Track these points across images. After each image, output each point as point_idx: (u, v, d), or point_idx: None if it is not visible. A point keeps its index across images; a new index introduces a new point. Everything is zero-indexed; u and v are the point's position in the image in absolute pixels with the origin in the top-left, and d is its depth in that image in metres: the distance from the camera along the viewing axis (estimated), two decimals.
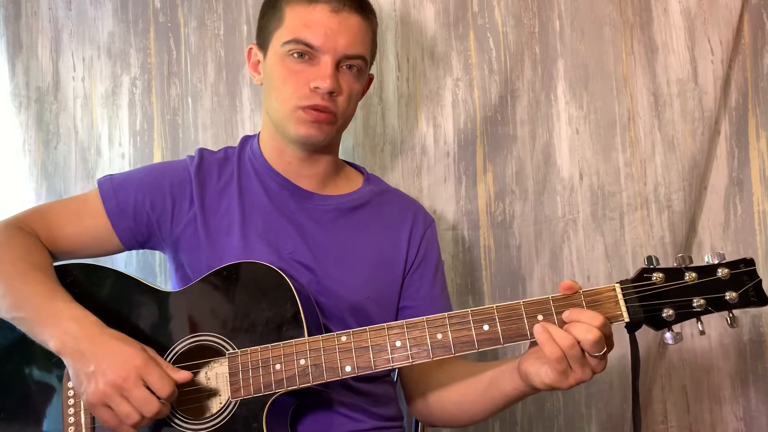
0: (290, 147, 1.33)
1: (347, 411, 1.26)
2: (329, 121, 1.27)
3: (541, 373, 1.05)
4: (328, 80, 1.23)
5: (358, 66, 1.28)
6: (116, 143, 1.76)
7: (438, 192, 1.71)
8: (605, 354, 1.03)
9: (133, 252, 1.68)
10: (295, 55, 1.25)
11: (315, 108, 1.25)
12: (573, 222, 1.69)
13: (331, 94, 1.24)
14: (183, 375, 1.11)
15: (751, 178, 1.68)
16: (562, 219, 1.70)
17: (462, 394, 1.23)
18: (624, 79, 1.69)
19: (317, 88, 1.23)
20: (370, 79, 1.41)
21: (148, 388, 1.07)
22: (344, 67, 1.27)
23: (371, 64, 1.36)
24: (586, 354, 1.02)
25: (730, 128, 1.69)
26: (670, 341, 1.04)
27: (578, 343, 1.00)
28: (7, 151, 1.78)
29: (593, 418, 1.69)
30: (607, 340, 1.02)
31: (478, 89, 1.71)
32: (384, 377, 1.35)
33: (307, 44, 1.24)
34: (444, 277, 1.42)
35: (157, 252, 1.42)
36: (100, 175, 1.74)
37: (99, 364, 1.06)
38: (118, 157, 1.76)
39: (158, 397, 1.07)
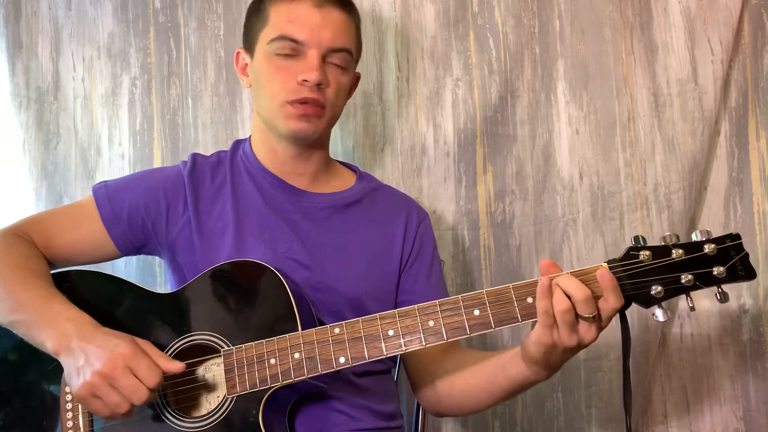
0: (282, 145, 1.35)
1: (347, 408, 1.26)
2: (318, 114, 1.29)
3: (532, 335, 1.06)
4: (315, 72, 1.25)
5: (345, 59, 1.30)
6: (116, 143, 1.76)
7: (438, 192, 1.71)
8: (595, 320, 1.02)
9: None
10: (282, 52, 1.27)
11: (304, 101, 1.26)
12: (573, 222, 1.69)
13: (319, 86, 1.26)
14: (175, 366, 1.11)
15: (751, 178, 1.68)
16: (562, 219, 1.70)
17: (469, 381, 1.23)
18: (624, 79, 1.69)
19: (305, 80, 1.25)
20: (357, 77, 1.42)
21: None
22: (331, 60, 1.28)
23: (357, 60, 1.38)
24: (579, 319, 1.02)
25: (730, 128, 1.69)
26: (660, 318, 1.04)
27: (573, 306, 1.01)
28: (7, 151, 1.78)
29: (593, 418, 1.69)
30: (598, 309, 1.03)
31: (478, 89, 1.71)
32: (383, 372, 1.35)
33: (292, 39, 1.26)
34: (440, 270, 1.43)
35: (151, 255, 1.44)
36: (100, 175, 1.75)
37: (88, 357, 1.08)
38: (118, 157, 1.76)
39: (146, 386, 1.07)
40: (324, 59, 1.27)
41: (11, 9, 1.78)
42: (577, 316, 1.02)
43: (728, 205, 1.68)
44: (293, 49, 1.27)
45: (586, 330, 1.03)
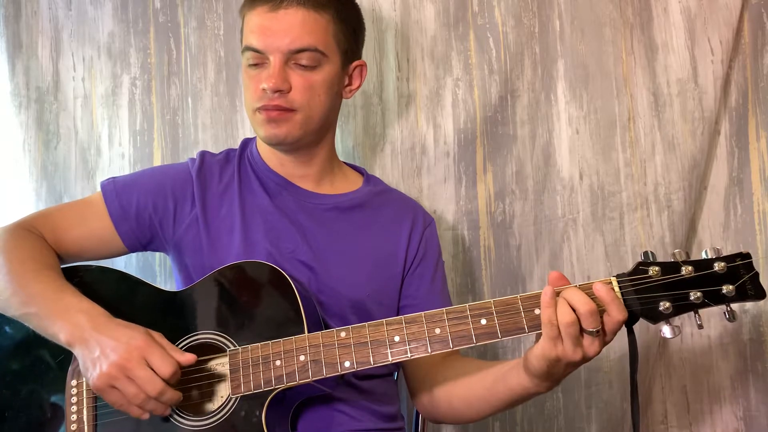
0: (275, 148, 1.35)
1: (348, 409, 1.27)
2: (285, 118, 1.28)
3: (536, 348, 1.05)
4: (272, 80, 1.25)
5: (312, 58, 1.27)
6: (116, 143, 1.76)
7: (438, 192, 1.71)
8: (599, 334, 1.02)
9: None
10: (250, 62, 1.28)
11: (265, 108, 1.27)
12: (573, 222, 1.69)
13: (281, 92, 1.26)
14: (187, 357, 1.12)
15: (751, 178, 1.68)
16: (562, 219, 1.70)
17: (469, 390, 1.23)
18: (624, 79, 1.69)
19: (264, 89, 1.26)
20: (359, 66, 1.39)
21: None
22: (297, 62, 1.27)
23: (345, 52, 1.34)
24: (584, 333, 1.02)
25: (730, 128, 1.69)
26: (668, 335, 1.04)
27: (578, 319, 1.01)
28: (7, 151, 1.78)
29: (593, 418, 1.69)
30: (603, 324, 1.03)
31: (478, 89, 1.71)
32: (385, 375, 1.35)
33: (253, 50, 1.27)
34: (444, 276, 1.43)
35: (157, 252, 1.44)
36: (100, 175, 1.75)
37: (103, 348, 1.09)
38: (118, 157, 1.76)
39: (162, 378, 1.08)
40: (288, 62, 1.26)
41: (11, 9, 1.78)
42: (581, 330, 1.02)
43: (728, 205, 1.68)
44: (258, 58, 1.27)
45: (589, 344, 1.03)
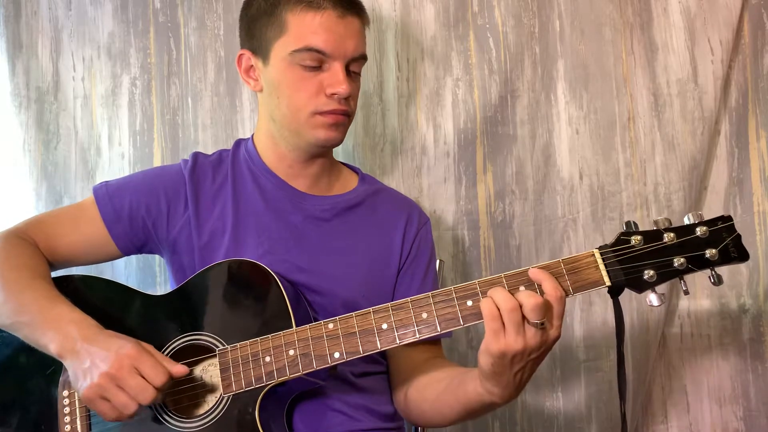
0: (293, 152, 1.34)
1: (346, 409, 1.27)
2: (344, 122, 1.31)
3: (481, 345, 1.03)
4: (344, 85, 1.25)
5: (361, 65, 1.32)
6: (116, 143, 1.76)
7: (438, 192, 1.71)
8: (543, 327, 0.99)
9: None
10: (307, 63, 1.26)
11: (333, 112, 1.27)
12: (573, 222, 1.69)
13: (348, 98, 1.28)
14: (179, 368, 1.11)
15: (751, 178, 1.68)
16: (562, 219, 1.70)
17: (435, 394, 1.22)
18: (624, 79, 1.69)
19: (334, 94, 1.26)
20: None
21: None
22: (351, 69, 1.30)
23: None
24: (525, 322, 0.99)
25: (730, 128, 1.69)
26: (655, 303, 1.03)
27: (520, 306, 0.98)
28: (7, 151, 1.78)
29: (593, 418, 1.69)
30: (549, 312, 1.00)
31: (478, 89, 1.71)
32: (382, 372, 1.35)
33: (318, 51, 1.25)
34: (436, 276, 1.43)
35: (152, 254, 1.44)
36: (100, 175, 1.75)
37: (93, 359, 1.08)
38: (118, 157, 1.76)
39: (153, 386, 1.08)
40: (347, 69, 1.28)
41: (11, 9, 1.78)
42: (524, 319, 0.99)
43: (728, 205, 1.68)
44: (318, 60, 1.26)
45: (532, 335, 1.00)
